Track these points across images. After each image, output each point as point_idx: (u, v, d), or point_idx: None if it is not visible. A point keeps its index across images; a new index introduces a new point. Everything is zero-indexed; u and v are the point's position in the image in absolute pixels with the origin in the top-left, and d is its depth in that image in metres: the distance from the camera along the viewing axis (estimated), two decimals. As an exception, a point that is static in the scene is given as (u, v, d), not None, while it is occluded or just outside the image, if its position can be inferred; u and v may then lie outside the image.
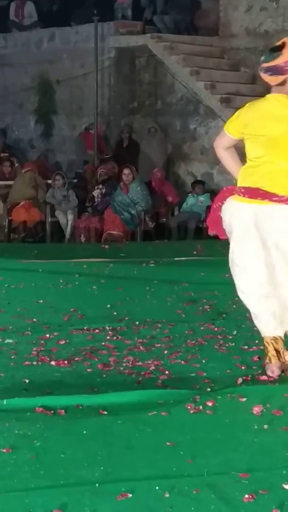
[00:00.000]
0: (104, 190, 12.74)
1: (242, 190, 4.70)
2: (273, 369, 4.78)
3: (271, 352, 4.81)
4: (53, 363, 5.08)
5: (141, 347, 5.44)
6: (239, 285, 4.86)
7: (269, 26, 14.12)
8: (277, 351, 4.81)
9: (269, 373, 4.78)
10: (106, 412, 4.13)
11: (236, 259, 4.79)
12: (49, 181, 13.23)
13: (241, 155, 4.97)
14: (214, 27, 14.81)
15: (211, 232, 5.32)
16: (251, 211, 4.65)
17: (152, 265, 8.73)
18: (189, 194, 13.18)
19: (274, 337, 4.81)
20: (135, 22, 15.21)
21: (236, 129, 4.80)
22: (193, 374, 4.81)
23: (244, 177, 4.75)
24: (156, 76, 14.98)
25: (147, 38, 14.48)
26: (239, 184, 4.75)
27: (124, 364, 5.03)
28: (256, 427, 3.96)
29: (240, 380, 4.66)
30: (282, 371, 4.79)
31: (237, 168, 4.90)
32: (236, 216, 4.72)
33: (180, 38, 14.62)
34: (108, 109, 15.54)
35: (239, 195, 4.71)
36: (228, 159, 4.98)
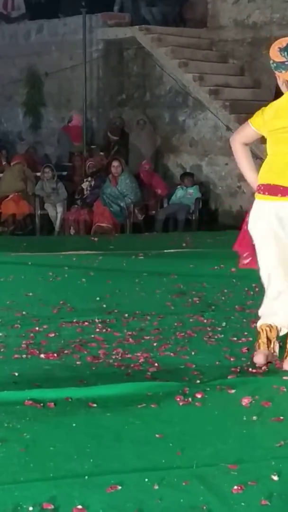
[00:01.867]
0: (93, 183, 12.74)
1: (262, 188, 4.73)
2: (259, 356, 4.80)
3: (262, 339, 4.83)
4: (42, 356, 5.08)
5: (130, 339, 5.45)
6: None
7: (257, 18, 14.12)
8: (268, 340, 4.83)
9: (255, 359, 4.80)
10: (95, 405, 4.13)
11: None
12: (38, 174, 13.21)
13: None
14: (202, 19, 14.80)
15: (243, 263, 5.20)
16: (274, 208, 4.66)
17: (141, 257, 8.72)
18: (178, 186, 13.18)
19: (269, 324, 4.83)
20: (123, 14, 15.17)
21: (258, 123, 4.81)
22: (182, 366, 4.82)
23: (262, 173, 4.80)
24: (145, 68, 14.96)
25: (135, 30, 14.46)
26: (259, 182, 4.77)
27: (113, 357, 5.03)
28: (245, 418, 3.97)
29: (229, 373, 4.67)
30: (269, 362, 4.81)
31: (248, 167, 4.92)
32: (260, 215, 4.74)
33: (168, 30, 14.60)
34: (97, 101, 15.52)
35: (260, 193, 4.73)
36: (242, 155, 5.00)
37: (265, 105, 4.89)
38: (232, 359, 4.94)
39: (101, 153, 14.35)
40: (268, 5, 13.84)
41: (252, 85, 13.99)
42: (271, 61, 4.74)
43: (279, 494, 3.18)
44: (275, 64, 4.74)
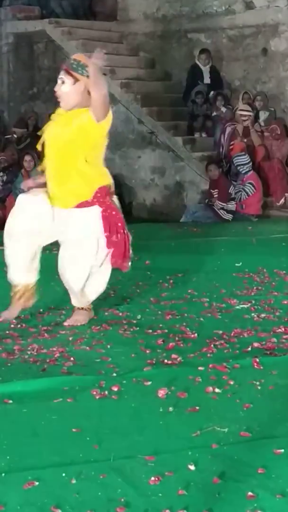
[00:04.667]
0: (5, 178, 12.62)
1: None
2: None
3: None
4: None
5: (45, 334, 5.42)
6: None
7: (166, 11, 14.20)
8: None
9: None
10: (11, 401, 4.10)
11: None
12: None
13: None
14: (112, 12, 14.81)
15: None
16: None
17: (56, 251, 8.67)
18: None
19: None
20: (32, 7, 15.06)
21: None
22: (98, 360, 4.82)
23: None
24: (55, 62, 14.86)
25: (45, 23, 14.39)
26: None
27: (28, 352, 4.99)
28: (161, 410, 3.99)
29: (145, 365, 4.69)
30: None
31: None
32: None
33: (78, 23, 14.58)
34: (8, 95, 15.36)
35: None
36: None
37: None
38: (147, 351, 4.96)
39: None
40: (178, -2, 13.94)
41: (163, 78, 14.05)
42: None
43: (195, 483, 3.20)
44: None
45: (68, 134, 5.39)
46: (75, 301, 5.76)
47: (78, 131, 5.37)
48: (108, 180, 5.58)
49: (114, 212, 5.46)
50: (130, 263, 5.65)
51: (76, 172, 5.40)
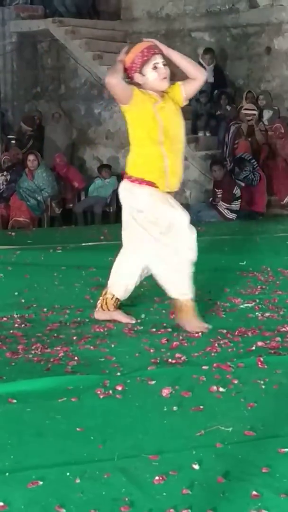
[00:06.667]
0: (8, 177, 12.63)
1: None
2: None
3: None
4: None
5: (49, 333, 5.42)
6: None
7: (170, 10, 14.19)
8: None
9: None
10: (15, 401, 4.10)
11: None
12: None
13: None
14: (116, 11, 14.81)
15: None
16: None
17: (60, 251, 8.69)
18: (97, 177, 13.19)
19: None
20: (36, 6, 15.06)
21: None
22: (102, 359, 4.81)
23: None
24: (59, 61, 14.89)
25: (48, 22, 14.38)
26: None
27: (32, 352, 4.99)
28: (165, 409, 3.99)
29: (149, 364, 4.69)
30: None
31: None
32: None
33: (82, 22, 14.57)
34: (11, 94, 15.37)
35: None
36: None
37: None
38: (152, 351, 4.95)
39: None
40: (181, -3, 13.93)
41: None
42: None
43: (200, 482, 3.20)
44: None
45: (179, 118, 5.44)
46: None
47: (181, 116, 5.46)
48: None
49: None
50: None
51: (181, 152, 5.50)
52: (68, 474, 3.28)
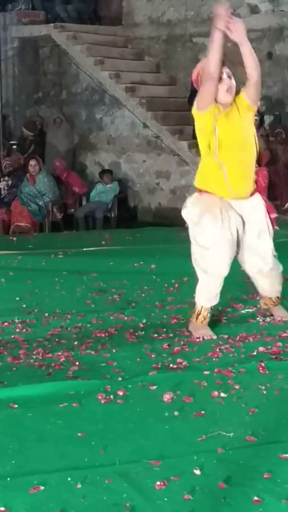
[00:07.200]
0: (10, 182, 12.64)
1: None
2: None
3: None
4: None
5: (51, 338, 5.42)
6: None
7: (171, 15, 14.20)
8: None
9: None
10: (16, 405, 4.10)
11: None
12: None
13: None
14: (118, 16, 14.82)
15: None
16: None
17: (61, 256, 8.69)
18: (99, 183, 13.19)
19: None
20: (37, 12, 15.08)
21: None
22: (104, 364, 4.81)
23: None
24: (60, 66, 14.91)
25: (50, 27, 14.39)
26: None
27: (34, 356, 4.99)
28: (167, 414, 3.99)
29: (150, 369, 4.69)
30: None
31: None
32: None
33: (83, 27, 14.57)
34: (13, 100, 15.39)
35: None
36: None
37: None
38: (153, 356, 4.95)
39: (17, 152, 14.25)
40: (182, 2, 13.94)
41: (168, 82, 14.06)
42: None
43: (201, 488, 3.20)
44: None
45: (241, 126, 5.42)
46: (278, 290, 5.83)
47: (248, 123, 5.49)
48: None
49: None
50: None
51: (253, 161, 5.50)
52: (69, 479, 3.28)
